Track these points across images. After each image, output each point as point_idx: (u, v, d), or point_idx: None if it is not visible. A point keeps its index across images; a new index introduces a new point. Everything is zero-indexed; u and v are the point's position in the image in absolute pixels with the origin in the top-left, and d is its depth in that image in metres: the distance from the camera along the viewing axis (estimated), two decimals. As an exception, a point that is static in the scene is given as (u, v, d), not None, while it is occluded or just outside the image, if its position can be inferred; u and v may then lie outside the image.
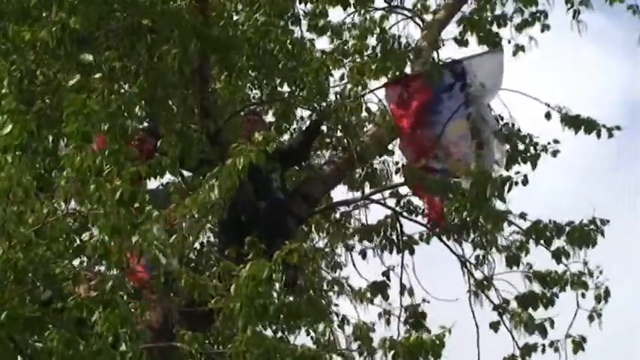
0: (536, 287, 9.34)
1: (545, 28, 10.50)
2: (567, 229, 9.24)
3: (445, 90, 9.46)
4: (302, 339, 8.30)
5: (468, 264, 9.65)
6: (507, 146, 9.52)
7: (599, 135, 9.76)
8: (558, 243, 9.27)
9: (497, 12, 10.47)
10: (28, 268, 5.53)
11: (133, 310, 6.30)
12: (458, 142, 9.38)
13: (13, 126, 5.73)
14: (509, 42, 10.50)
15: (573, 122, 9.80)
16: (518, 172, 9.38)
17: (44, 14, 7.58)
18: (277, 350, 6.17)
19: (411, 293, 9.68)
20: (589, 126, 9.75)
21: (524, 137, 9.68)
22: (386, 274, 9.73)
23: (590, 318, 9.21)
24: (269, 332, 7.12)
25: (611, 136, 9.79)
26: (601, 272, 9.21)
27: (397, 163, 9.82)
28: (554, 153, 9.66)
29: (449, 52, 10.35)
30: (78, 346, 5.71)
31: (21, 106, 5.93)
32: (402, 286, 9.70)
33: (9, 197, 5.27)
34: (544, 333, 9.11)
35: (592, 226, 9.16)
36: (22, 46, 7.47)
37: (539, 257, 9.45)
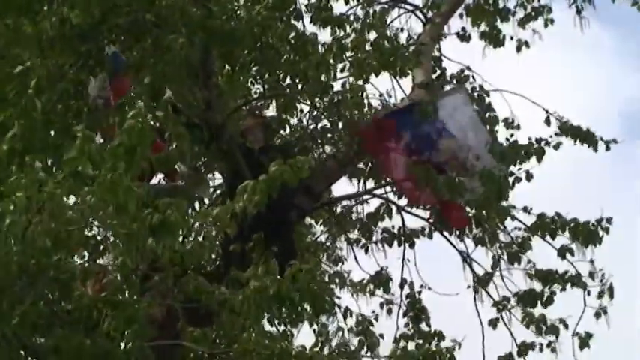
0: (537, 285, 9.39)
1: (549, 22, 10.50)
2: (571, 224, 9.26)
3: (412, 128, 9.35)
4: (305, 330, 8.32)
5: (469, 259, 9.66)
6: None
7: (595, 148, 9.78)
8: (562, 240, 9.31)
9: (499, 6, 10.47)
10: (40, 270, 5.51)
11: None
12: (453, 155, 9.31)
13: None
14: (511, 38, 10.54)
15: (572, 132, 9.82)
16: (520, 169, 9.43)
17: (45, 7, 7.49)
18: (284, 353, 6.17)
19: (412, 287, 9.76)
20: (587, 137, 9.77)
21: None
22: (383, 270, 9.80)
23: (597, 315, 9.24)
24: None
25: (608, 149, 9.81)
26: (603, 275, 9.26)
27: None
28: (557, 146, 9.65)
29: (451, 46, 10.39)
30: (86, 347, 5.73)
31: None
32: (403, 280, 9.77)
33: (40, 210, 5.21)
34: (556, 333, 9.16)
35: (597, 225, 9.20)
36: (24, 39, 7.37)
37: (542, 254, 9.53)
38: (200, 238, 7.08)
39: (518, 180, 9.41)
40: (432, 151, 9.26)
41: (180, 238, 6.29)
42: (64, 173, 5.23)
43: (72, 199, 5.50)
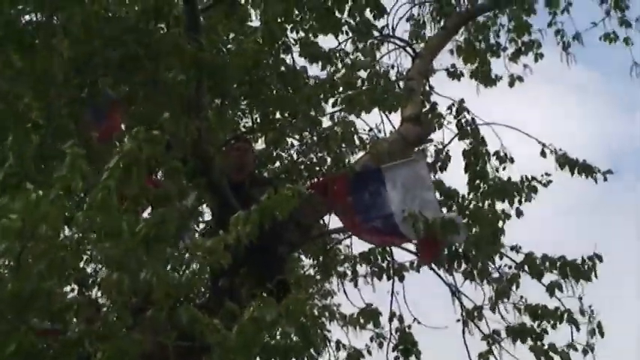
0: (527, 320, 9.41)
1: (539, 57, 10.60)
2: (559, 263, 9.32)
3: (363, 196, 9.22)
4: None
5: (458, 293, 9.68)
6: None
7: (595, 179, 9.93)
8: (551, 277, 9.36)
9: (491, 42, 10.54)
10: (33, 298, 5.40)
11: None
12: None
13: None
14: (500, 79, 10.57)
15: (569, 164, 9.96)
16: (512, 205, 9.58)
17: (37, 41, 7.43)
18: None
19: (401, 320, 9.81)
20: (585, 169, 9.90)
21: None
22: (368, 307, 9.70)
23: (584, 352, 9.26)
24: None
25: (605, 179, 9.96)
26: (592, 312, 9.28)
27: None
28: (546, 184, 9.82)
29: (441, 81, 10.45)
30: (77, 381, 5.63)
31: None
32: (392, 313, 9.80)
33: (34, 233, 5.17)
34: None
35: (588, 262, 9.27)
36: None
37: (532, 289, 9.56)
38: (193, 269, 7.03)
39: (507, 217, 9.45)
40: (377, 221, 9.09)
41: (172, 269, 6.19)
42: (55, 191, 5.18)
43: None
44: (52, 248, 5.33)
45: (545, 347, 9.32)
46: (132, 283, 5.56)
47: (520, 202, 9.75)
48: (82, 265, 6.26)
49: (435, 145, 10.36)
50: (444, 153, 10.26)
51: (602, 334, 9.28)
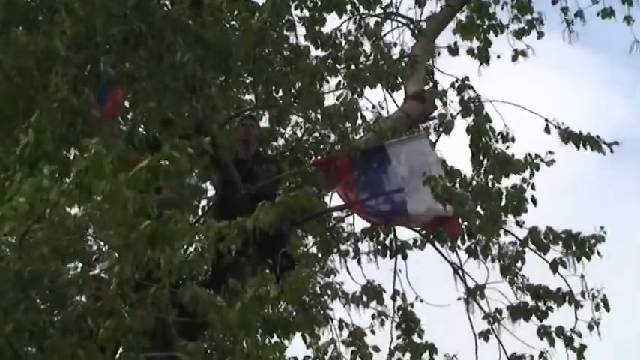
0: (529, 299, 9.43)
1: (541, 35, 10.55)
2: (564, 236, 9.30)
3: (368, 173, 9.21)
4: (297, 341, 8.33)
5: (460, 271, 9.68)
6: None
7: (603, 151, 9.90)
8: (555, 253, 9.34)
9: (493, 21, 10.50)
10: (34, 278, 5.43)
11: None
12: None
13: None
14: (498, 57, 10.58)
15: (574, 139, 9.91)
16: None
17: (40, 18, 7.48)
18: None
19: (404, 298, 9.78)
20: (590, 142, 9.87)
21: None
22: (370, 283, 9.76)
23: (590, 327, 9.28)
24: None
25: (611, 151, 9.93)
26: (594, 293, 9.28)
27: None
28: (549, 163, 9.76)
29: (444, 60, 10.52)
30: (79, 357, 5.64)
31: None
32: (395, 291, 9.79)
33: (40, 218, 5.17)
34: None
35: (591, 240, 9.27)
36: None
37: (535, 267, 9.56)
38: (199, 249, 7.03)
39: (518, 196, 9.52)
40: (381, 199, 9.12)
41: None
42: (70, 184, 5.13)
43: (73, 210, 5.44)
44: (57, 233, 5.32)
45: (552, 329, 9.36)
46: (136, 261, 5.54)
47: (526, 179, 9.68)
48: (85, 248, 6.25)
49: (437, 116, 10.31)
50: (449, 116, 10.18)
51: (607, 309, 9.28)
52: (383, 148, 9.12)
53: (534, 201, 9.63)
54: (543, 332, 9.34)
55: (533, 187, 9.69)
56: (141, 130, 7.57)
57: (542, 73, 14.73)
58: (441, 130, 10.02)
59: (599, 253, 9.25)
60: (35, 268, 5.36)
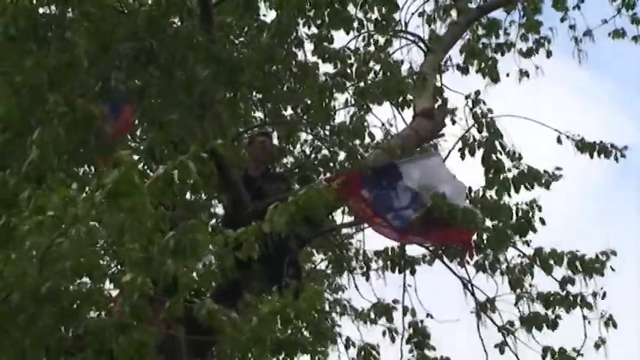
0: (540, 309, 9.40)
1: (549, 54, 10.56)
2: (567, 257, 9.29)
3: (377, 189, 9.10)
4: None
5: (470, 286, 9.71)
6: None
7: (616, 158, 9.95)
8: (562, 271, 9.35)
9: (501, 40, 10.53)
10: (52, 294, 5.34)
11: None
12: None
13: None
14: (507, 75, 10.59)
15: (586, 147, 9.95)
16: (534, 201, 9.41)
17: (49, 34, 7.46)
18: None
19: (414, 314, 9.75)
20: (602, 150, 9.92)
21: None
22: (380, 301, 9.72)
23: (597, 346, 9.28)
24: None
25: (623, 156, 9.99)
26: (604, 296, 9.28)
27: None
28: (558, 177, 9.70)
29: (453, 78, 10.57)
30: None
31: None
32: (404, 307, 9.76)
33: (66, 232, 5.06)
34: None
35: (601, 257, 9.25)
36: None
37: (545, 280, 9.53)
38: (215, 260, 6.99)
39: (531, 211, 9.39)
40: (391, 215, 9.00)
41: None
42: (99, 195, 4.96)
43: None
44: (81, 248, 5.27)
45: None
46: (153, 277, 5.49)
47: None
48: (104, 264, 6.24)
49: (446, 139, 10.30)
50: (472, 138, 10.05)
51: (614, 325, 9.27)
52: (395, 166, 9.07)
53: (543, 221, 9.53)
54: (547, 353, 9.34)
55: (539, 209, 9.55)
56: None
57: (549, 92, 14.72)
58: (465, 152, 9.94)
59: (612, 268, 9.25)
60: (54, 283, 5.29)
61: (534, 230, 9.43)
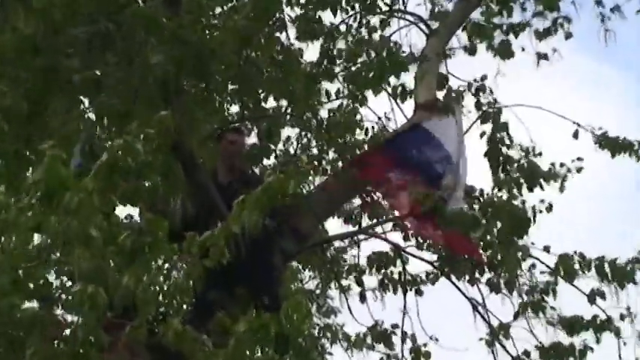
0: (562, 336, 8.57)
1: (569, 35, 9.81)
2: (595, 263, 8.47)
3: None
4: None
5: (483, 308, 8.91)
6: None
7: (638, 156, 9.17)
8: (588, 281, 8.55)
9: (517, 19, 9.76)
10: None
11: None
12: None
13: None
14: (522, 49, 9.89)
15: (609, 144, 9.20)
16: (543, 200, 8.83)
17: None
18: None
19: (414, 340, 8.95)
20: (626, 148, 9.18)
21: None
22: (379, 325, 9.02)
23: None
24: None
25: None
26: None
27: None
28: (579, 170, 9.13)
29: (459, 63, 9.78)
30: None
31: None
32: (404, 333, 8.98)
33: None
34: None
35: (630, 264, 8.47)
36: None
37: (568, 297, 8.78)
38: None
39: (537, 211, 8.75)
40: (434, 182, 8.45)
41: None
42: (29, 197, 4.72)
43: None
44: (19, 260, 4.98)
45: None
46: (109, 295, 5.01)
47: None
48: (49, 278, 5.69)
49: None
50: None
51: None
52: (418, 127, 8.80)
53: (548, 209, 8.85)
54: None
55: (549, 210, 8.90)
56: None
57: (564, 85, 14.05)
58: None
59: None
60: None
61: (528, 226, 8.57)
